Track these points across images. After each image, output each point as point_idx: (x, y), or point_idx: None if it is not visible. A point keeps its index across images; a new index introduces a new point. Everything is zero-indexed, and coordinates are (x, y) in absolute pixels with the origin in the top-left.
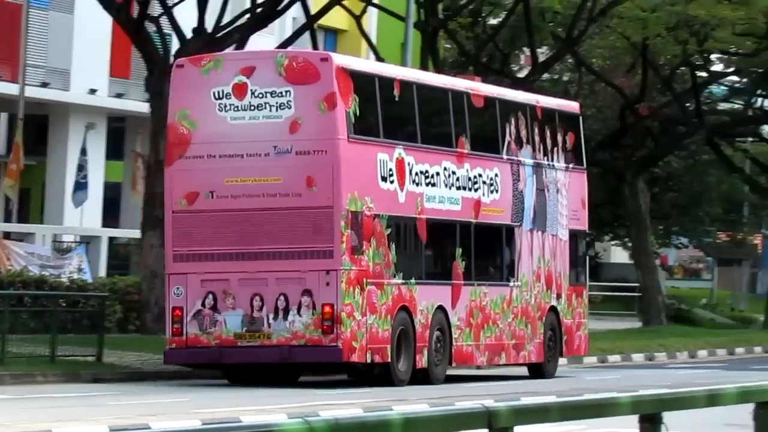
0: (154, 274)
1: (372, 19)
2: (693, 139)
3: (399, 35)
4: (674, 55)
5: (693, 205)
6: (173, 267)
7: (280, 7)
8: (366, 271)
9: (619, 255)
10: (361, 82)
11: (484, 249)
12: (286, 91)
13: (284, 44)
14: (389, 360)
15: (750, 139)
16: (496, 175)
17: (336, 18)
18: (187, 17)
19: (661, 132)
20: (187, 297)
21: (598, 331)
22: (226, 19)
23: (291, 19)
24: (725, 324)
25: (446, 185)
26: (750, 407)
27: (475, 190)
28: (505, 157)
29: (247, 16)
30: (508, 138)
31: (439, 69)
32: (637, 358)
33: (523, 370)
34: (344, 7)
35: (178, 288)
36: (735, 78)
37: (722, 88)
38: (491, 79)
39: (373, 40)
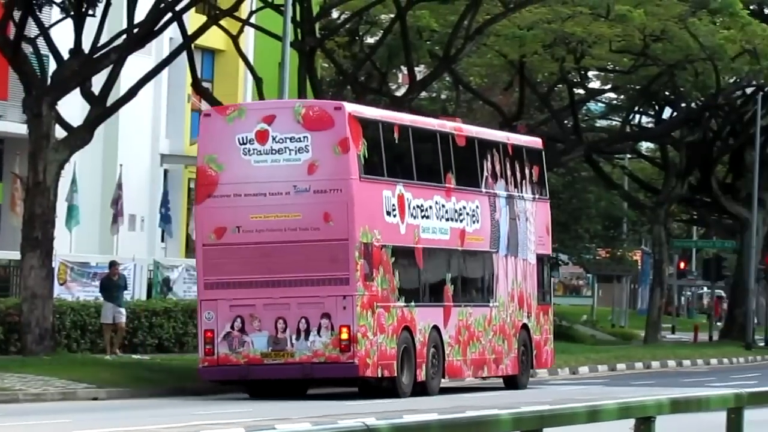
0: (34, 295)
1: (249, 38)
2: (571, 156)
3: (276, 55)
4: (551, 72)
5: (572, 221)
6: (204, 294)
7: (157, 28)
8: (376, 295)
9: None
10: (368, 127)
11: (469, 273)
12: (304, 137)
13: (161, 65)
14: (395, 374)
15: (628, 155)
16: (477, 206)
17: (213, 38)
18: (64, 38)
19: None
20: (217, 321)
21: None
22: (103, 40)
23: (168, 39)
24: (606, 340)
25: (437, 217)
26: (630, 423)
27: (460, 221)
28: (483, 190)
29: (124, 36)
30: (485, 173)
31: (316, 89)
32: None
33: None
34: (221, 27)
35: (209, 313)
36: (612, 95)
37: (600, 105)
38: (369, 98)
39: (251, 60)
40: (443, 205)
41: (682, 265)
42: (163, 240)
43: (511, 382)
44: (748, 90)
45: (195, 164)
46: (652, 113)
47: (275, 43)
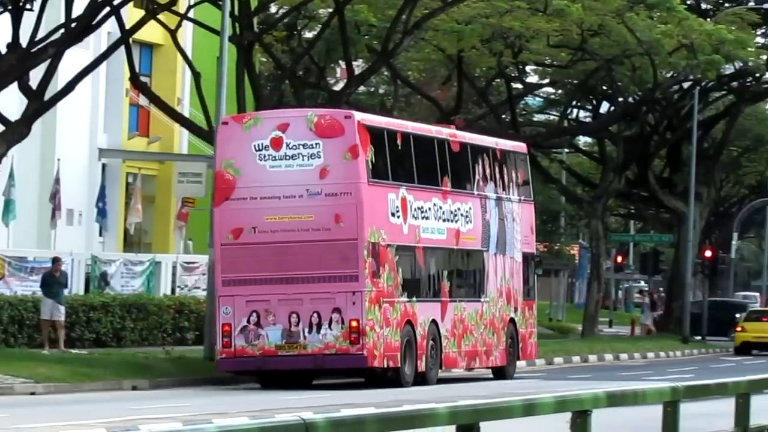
0: None
1: (187, 33)
2: None
3: (215, 49)
4: (489, 67)
5: None
6: (222, 290)
7: (95, 22)
8: (382, 291)
9: None
10: (375, 134)
11: (463, 271)
12: (316, 144)
13: (99, 59)
14: (399, 365)
15: (566, 150)
16: (470, 208)
17: (151, 32)
18: (1, 32)
19: None
20: (234, 315)
21: None
22: (40, 34)
23: (106, 33)
24: (543, 334)
25: (435, 218)
26: (567, 416)
27: (455, 222)
28: (475, 192)
29: (62, 30)
30: (477, 177)
31: (255, 83)
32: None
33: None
34: (159, 21)
35: (226, 308)
36: (550, 89)
37: (537, 99)
38: (308, 93)
39: (189, 55)
40: (440, 207)
41: (619, 259)
42: (101, 234)
43: (500, 373)
44: (685, 84)
45: (133, 159)
46: (590, 108)
47: (213, 38)
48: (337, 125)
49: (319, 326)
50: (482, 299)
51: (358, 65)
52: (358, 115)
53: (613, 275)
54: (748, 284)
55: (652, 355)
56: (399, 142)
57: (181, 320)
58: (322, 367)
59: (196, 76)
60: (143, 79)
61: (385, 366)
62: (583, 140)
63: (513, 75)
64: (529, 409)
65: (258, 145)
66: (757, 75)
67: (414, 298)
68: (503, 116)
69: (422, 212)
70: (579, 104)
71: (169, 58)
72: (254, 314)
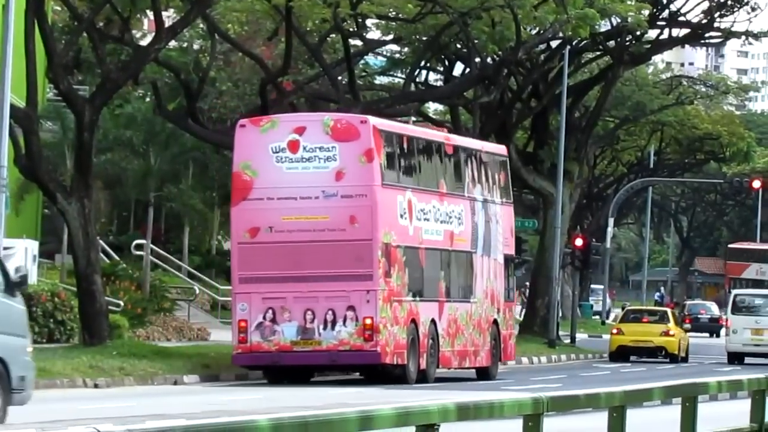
0: None
1: None
2: None
3: None
4: (323, 19)
5: None
6: (239, 288)
7: None
8: (393, 290)
9: None
10: (387, 139)
11: (456, 272)
12: (332, 147)
13: None
14: (406, 362)
15: (413, 118)
16: (462, 210)
17: None
18: None
19: (309, 110)
20: (250, 312)
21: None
22: None
23: None
24: None
25: (434, 220)
26: (410, 431)
27: (450, 224)
28: (466, 195)
29: None
30: (467, 179)
31: (47, 36)
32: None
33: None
34: None
35: (243, 304)
36: (395, 47)
37: (380, 59)
38: (109, 48)
39: None
40: (438, 209)
41: None
42: None
43: (484, 373)
44: (554, 44)
45: None
46: (441, 70)
47: None
48: (353, 129)
49: (334, 323)
50: (471, 300)
51: (169, 16)
52: (373, 120)
53: None
54: (626, 278)
55: (512, 361)
56: (405, 145)
57: None
58: (336, 363)
59: None
60: None
61: (395, 363)
62: (433, 107)
63: (351, 30)
64: (366, 422)
65: (275, 147)
66: (638, 33)
67: (417, 298)
68: (339, 78)
69: (424, 214)
70: (428, 65)
71: None
72: (270, 311)
